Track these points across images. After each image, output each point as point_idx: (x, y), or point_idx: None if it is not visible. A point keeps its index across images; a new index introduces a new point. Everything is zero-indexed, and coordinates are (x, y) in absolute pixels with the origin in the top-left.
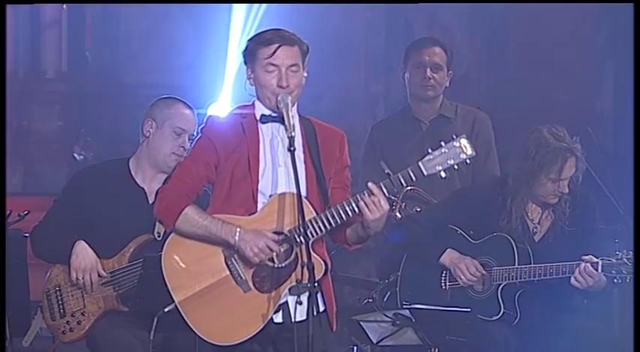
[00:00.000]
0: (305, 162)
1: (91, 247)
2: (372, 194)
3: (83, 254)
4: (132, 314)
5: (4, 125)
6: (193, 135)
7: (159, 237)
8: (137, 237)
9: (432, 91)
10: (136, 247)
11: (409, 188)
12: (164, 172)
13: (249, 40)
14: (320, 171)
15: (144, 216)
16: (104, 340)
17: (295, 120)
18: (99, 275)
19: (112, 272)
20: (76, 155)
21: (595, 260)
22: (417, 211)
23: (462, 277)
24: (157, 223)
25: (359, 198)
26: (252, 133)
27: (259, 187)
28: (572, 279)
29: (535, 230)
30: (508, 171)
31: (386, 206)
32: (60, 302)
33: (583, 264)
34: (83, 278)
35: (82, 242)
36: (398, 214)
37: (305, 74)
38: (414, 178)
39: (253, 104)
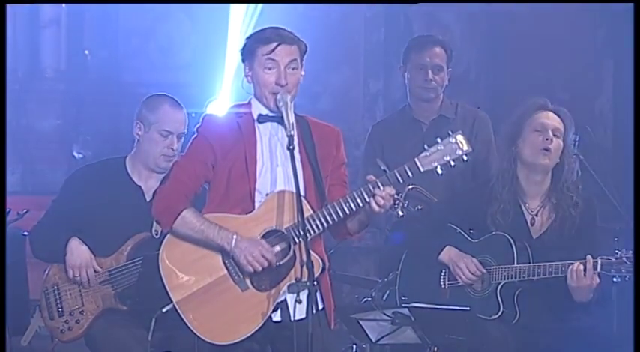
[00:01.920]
0: (302, 161)
1: (85, 244)
2: (378, 187)
3: (77, 251)
4: (130, 312)
5: (4, 124)
6: (182, 133)
7: (156, 235)
8: (135, 235)
9: (433, 93)
10: (134, 245)
11: (411, 187)
12: (157, 172)
13: (248, 38)
14: (317, 169)
15: (141, 214)
16: (103, 339)
17: (292, 119)
18: (95, 271)
19: (110, 271)
20: (75, 154)
21: (593, 260)
22: (418, 209)
23: (462, 276)
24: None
25: (356, 196)
26: (249, 132)
27: (257, 186)
28: (568, 278)
29: (532, 221)
30: None
31: (392, 191)
32: (58, 301)
33: (571, 267)
34: (80, 275)
35: (75, 239)
36: (400, 212)
37: (302, 73)
38: (410, 174)
39: (249, 103)
